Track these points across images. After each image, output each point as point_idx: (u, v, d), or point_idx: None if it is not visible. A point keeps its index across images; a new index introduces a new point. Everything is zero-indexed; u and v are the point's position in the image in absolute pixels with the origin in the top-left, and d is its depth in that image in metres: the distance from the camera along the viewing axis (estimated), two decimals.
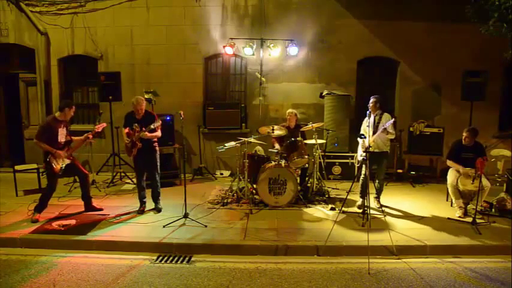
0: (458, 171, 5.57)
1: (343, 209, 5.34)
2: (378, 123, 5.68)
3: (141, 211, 5.65)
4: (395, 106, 8.38)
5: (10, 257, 4.44)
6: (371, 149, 5.33)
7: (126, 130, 5.51)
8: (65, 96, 8.41)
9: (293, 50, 7.66)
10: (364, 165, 5.31)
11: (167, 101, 7.89)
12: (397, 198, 6.47)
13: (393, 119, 5.55)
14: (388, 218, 5.44)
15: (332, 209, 5.84)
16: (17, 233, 4.85)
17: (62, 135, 5.40)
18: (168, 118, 7.36)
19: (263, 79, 7.70)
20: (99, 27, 8.23)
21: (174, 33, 8.20)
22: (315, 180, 6.47)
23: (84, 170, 5.72)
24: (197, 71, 8.33)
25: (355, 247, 4.59)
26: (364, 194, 5.63)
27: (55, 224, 5.12)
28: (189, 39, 8.19)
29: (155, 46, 8.25)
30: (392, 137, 5.73)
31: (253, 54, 7.78)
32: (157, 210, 5.71)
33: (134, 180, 6.52)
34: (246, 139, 6.08)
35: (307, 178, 6.66)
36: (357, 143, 6.00)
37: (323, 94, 7.88)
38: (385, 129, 5.47)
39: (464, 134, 5.61)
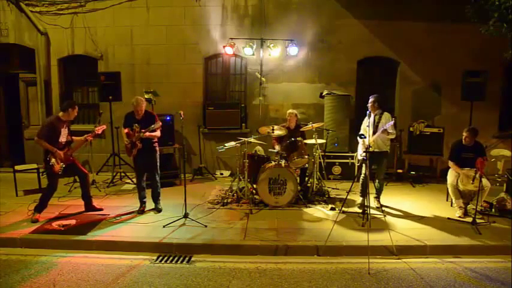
0: (459, 174, 5.58)
1: (343, 209, 5.34)
2: (378, 122, 5.68)
3: (141, 211, 5.65)
4: (395, 106, 8.38)
5: (10, 257, 4.45)
6: (371, 149, 5.33)
7: (126, 130, 5.51)
8: (65, 96, 8.42)
9: (293, 50, 7.66)
10: (364, 165, 5.31)
11: (167, 101, 7.89)
12: (397, 198, 6.47)
13: (393, 120, 5.55)
14: (388, 218, 5.44)
15: (332, 209, 5.84)
16: (17, 233, 4.85)
17: (63, 136, 5.41)
18: (168, 118, 7.37)
19: (263, 79, 7.70)
20: (99, 27, 8.23)
21: (174, 33, 8.20)
22: (315, 180, 6.47)
23: (84, 170, 5.73)
24: (197, 71, 8.33)
25: (355, 247, 4.59)
26: (364, 193, 5.63)
27: (55, 224, 5.12)
28: (189, 39, 8.19)
29: (155, 46, 8.25)
30: (393, 136, 5.73)
31: (253, 54, 7.78)
32: (158, 210, 5.71)
33: (134, 180, 6.53)
34: (246, 139, 6.08)
35: (307, 178, 6.66)
36: (357, 143, 6.00)
37: (323, 94, 7.88)
38: (385, 130, 5.47)
39: (465, 134, 5.61)
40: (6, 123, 9.04)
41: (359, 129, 5.97)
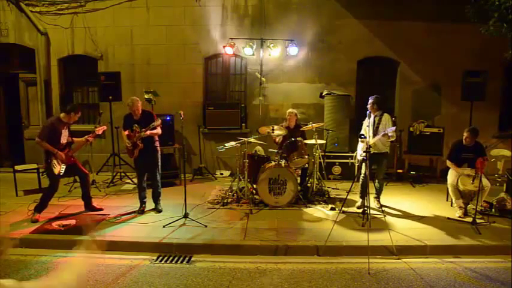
0: (457, 173, 5.58)
1: (343, 209, 5.34)
2: (378, 124, 5.67)
3: (141, 211, 5.65)
4: (395, 106, 8.38)
5: (10, 257, 4.44)
6: (371, 150, 5.31)
7: (126, 132, 5.51)
8: (65, 96, 8.42)
9: (293, 50, 7.66)
10: (364, 165, 5.31)
11: (167, 101, 7.89)
12: (397, 198, 6.47)
13: (394, 127, 5.52)
14: (388, 218, 5.43)
15: (332, 209, 5.84)
16: (17, 233, 4.84)
17: (64, 137, 5.41)
18: (168, 118, 7.37)
19: (263, 79, 7.70)
20: (99, 27, 8.23)
21: (174, 33, 8.20)
22: (315, 180, 6.47)
23: (84, 170, 5.73)
24: (197, 71, 8.33)
25: (355, 247, 4.59)
26: (364, 194, 5.63)
27: (55, 224, 5.12)
28: (189, 39, 8.19)
29: (155, 46, 8.25)
30: (393, 139, 5.72)
31: (253, 54, 7.78)
32: (158, 210, 5.70)
33: (134, 180, 6.53)
34: (246, 139, 6.08)
35: (307, 178, 6.66)
36: (357, 142, 6.00)
37: (323, 94, 7.88)
38: (386, 134, 5.45)
39: (465, 134, 5.61)
40: (6, 123, 9.04)
41: (359, 129, 5.96)
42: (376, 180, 5.90)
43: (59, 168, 5.30)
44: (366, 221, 5.08)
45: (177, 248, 4.60)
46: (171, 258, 4.47)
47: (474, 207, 5.19)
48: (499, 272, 4.17)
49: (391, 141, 5.87)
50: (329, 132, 7.18)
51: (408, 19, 7.92)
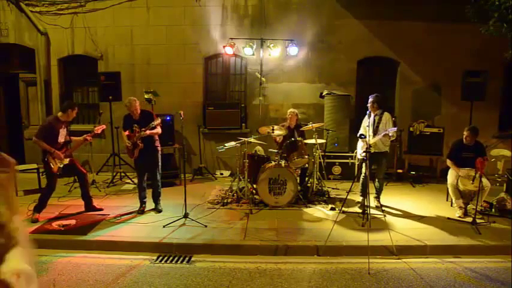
0: (458, 172, 5.58)
1: (343, 209, 5.34)
2: (378, 123, 5.67)
3: (141, 211, 5.65)
4: (395, 106, 8.38)
5: None
6: (372, 150, 5.31)
7: (126, 133, 5.50)
8: (65, 96, 8.41)
9: (293, 50, 7.65)
10: (364, 165, 5.30)
11: (167, 101, 7.89)
12: (397, 198, 6.47)
13: (396, 128, 5.52)
14: (388, 218, 5.43)
15: (332, 209, 5.84)
16: None
17: (62, 136, 5.41)
18: (168, 118, 7.37)
19: (263, 79, 7.70)
20: (99, 27, 8.23)
21: (174, 33, 8.20)
22: (315, 180, 6.47)
23: (83, 170, 5.72)
24: (197, 71, 8.33)
25: (355, 247, 4.59)
26: (364, 193, 5.63)
27: (55, 224, 5.12)
28: (189, 39, 8.19)
29: (155, 46, 8.25)
30: (393, 138, 5.72)
31: (253, 54, 7.77)
32: (158, 210, 5.70)
33: (134, 180, 6.53)
34: (246, 139, 6.08)
35: (307, 178, 6.66)
36: (357, 142, 6.00)
37: (323, 94, 7.88)
38: (387, 134, 5.45)
39: (465, 133, 5.61)
40: (6, 123, 9.03)
41: (359, 129, 5.96)
42: (376, 180, 5.90)
43: (56, 167, 5.30)
44: (366, 221, 5.08)
45: (177, 248, 4.60)
46: (171, 258, 4.47)
47: (474, 207, 5.19)
48: (499, 272, 4.17)
49: (391, 141, 5.87)
50: (329, 132, 7.18)
51: (408, 19, 7.92)
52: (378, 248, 4.51)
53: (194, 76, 8.32)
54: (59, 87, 8.49)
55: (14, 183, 1.17)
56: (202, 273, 4.10)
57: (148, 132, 5.40)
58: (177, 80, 8.28)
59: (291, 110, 6.67)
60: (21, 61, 8.61)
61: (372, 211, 5.44)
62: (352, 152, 7.57)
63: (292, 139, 6.18)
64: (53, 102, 8.46)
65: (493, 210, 5.68)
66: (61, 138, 5.40)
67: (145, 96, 7.14)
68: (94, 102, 8.60)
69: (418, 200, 6.42)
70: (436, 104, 8.22)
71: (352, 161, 7.62)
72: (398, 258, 4.45)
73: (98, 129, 5.76)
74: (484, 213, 5.58)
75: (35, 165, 6.98)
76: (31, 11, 8.16)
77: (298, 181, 6.21)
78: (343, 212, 5.52)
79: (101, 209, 5.72)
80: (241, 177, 6.28)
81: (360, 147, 5.86)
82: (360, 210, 5.50)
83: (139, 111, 5.54)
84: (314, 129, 6.34)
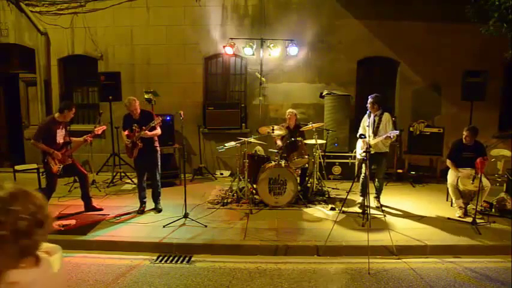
0: (457, 172, 5.58)
1: (343, 209, 5.34)
2: (378, 124, 5.66)
3: (141, 211, 5.65)
4: (395, 106, 8.38)
5: None
6: (372, 151, 5.30)
7: (126, 132, 5.50)
8: (65, 96, 8.41)
9: (293, 50, 7.64)
10: (364, 165, 5.30)
11: (167, 101, 7.88)
12: (397, 198, 6.47)
13: (398, 131, 5.51)
14: (388, 218, 5.43)
15: (332, 209, 5.84)
16: None
17: (60, 136, 5.39)
18: (168, 118, 7.36)
19: (263, 79, 7.69)
20: (99, 27, 8.23)
21: (174, 33, 8.20)
22: (315, 180, 6.47)
23: (83, 170, 5.72)
24: (197, 71, 8.33)
25: (355, 247, 4.59)
26: (364, 193, 5.62)
27: (55, 224, 5.09)
28: (189, 39, 8.19)
29: (155, 46, 8.25)
30: (394, 139, 5.71)
31: (253, 54, 7.77)
32: (158, 210, 5.70)
33: (134, 180, 6.53)
34: (246, 139, 6.08)
35: (307, 178, 6.66)
36: (357, 142, 5.99)
37: (323, 94, 7.88)
38: (388, 136, 5.43)
39: (465, 133, 5.61)
40: (6, 123, 9.04)
41: (359, 129, 5.96)
42: (376, 180, 5.90)
43: (56, 168, 5.29)
44: (366, 221, 5.08)
45: (177, 248, 4.60)
46: (171, 258, 4.47)
47: (474, 207, 5.19)
48: (499, 272, 4.17)
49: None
50: (329, 132, 7.18)
51: (408, 19, 7.92)
52: (378, 248, 4.51)
53: (194, 76, 8.32)
54: (59, 87, 8.48)
55: None
56: (202, 273, 4.10)
57: (149, 133, 5.40)
58: (177, 80, 8.28)
59: (290, 110, 6.67)
60: (21, 61, 8.61)
61: (372, 211, 5.44)
62: (352, 152, 7.57)
63: (292, 139, 6.17)
64: (53, 102, 8.45)
65: (493, 210, 5.68)
66: (60, 139, 5.38)
67: (145, 96, 7.14)
68: (94, 102, 8.60)
69: (418, 200, 6.42)
70: (436, 104, 8.22)
71: (352, 161, 7.61)
72: (398, 258, 4.45)
73: (98, 130, 5.75)
74: (484, 213, 5.57)
75: (35, 165, 6.98)
76: (31, 11, 8.16)
77: (298, 181, 6.21)
78: (343, 212, 5.51)
79: (100, 209, 5.72)
80: (241, 177, 6.28)
81: (360, 147, 5.85)
82: (360, 210, 5.50)
83: (139, 111, 5.53)
84: (314, 129, 6.34)
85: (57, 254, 1.36)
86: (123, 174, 7.65)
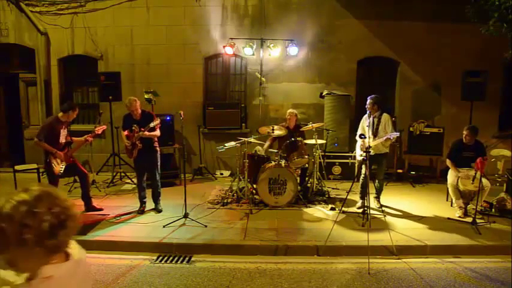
0: (457, 172, 5.58)
1: (343, 209, 5.34)
2: (378, 124, 5.65)
3: (141, 211, 5.65)
4: (395, 106, 8.38)
5: None
6: (372, 152, 5.28)
7: (126, 133, 5.50)
8: (65, 96, 8.42)
9: (293, 50, 7.64)
10: (364, 165, 5.30)
11: (167, 101, 7.88)
12: (397, 198, 6.47)
13: (398, 133, 5.51)
14: (388, 218, 5.43)
15: (332, 209, 5.84)
16: None
17: (62, 136, 5.41)
18: (168, 118, 7.36)
19: (263, 79, 7.70)
20: (99, 27, 8.23)
21: (174, 33, 8.20)
22: (315, 180, 6.47)
23: (84, 170, 5.72)
24: (197, 71, 8.33)
25: (355, 247, 4.59)
26: (364, 194, 5.62)
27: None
28: (189, 39, 8.19)
29: (155, 46, 8.25)
30: (393, 140, 5.71)
31: (253, 54, 7.77)
32: (158, 210, 5.70)
33: (134, 180, 6.52)
34: (246, 139, 6.08)
35: (307, 178, 6.66)
36: (357, 142, 5.99)
37: (323, 94, 7.88)
38: (388, 138, 5.43)
39: (465, 133, 5.61)
40: (6, 123, 9.04)
41: (358, 130, 5.95)
42: (376, 180, 5.90)
43: (58, 168, 5.30)
44: (366, 221, 5.08)
45: (177, 248, 4.60)
46: (171, 258, 4.47)
47: (474, 207, 5.19)
48: (499, 272, 4.17)
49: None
50: (329, 132, 7.18)
51: (408, 19, 7.92)
52: (378, 248, 4.51)
53: (194, 76, 8.32)
54: (59, 87, 8.49)
55: None
56: (202, 273, 4.10)
57: (147, 133, 5.39)
58: (177, 80, 8.28)
59: (291, 110, 6.66)
60: (21, 61, 8.61)
61: (372, 211, 5.44)
62: (352, 152, 7.57)
63: (292, 139, 6.17)
64: (53, 102, 8.46)
65: (493, 210, 5.68)
66: (62, 139, 5.40)
67: (146, 96, 7.14)
68: (94, 102, 8.60)
69: (418, 200, 6.42)
70: (436, 104, 8.21)
71: (352, 161, 7.61)
72: (398, 258, 4.45)
73: (99, 129, 5.75)
74: (484, 213, 5.57)
75: (35, 165, 6.97)
76: (31, 11, 8.16)
77: (298, 181, 6.21)
78: (343, 212, 5.52)
79: (100, 209, 5.72)
80: (241, 177, 6.28)
81: (359, 147, 5.85)
82: (360, 211, 5.50)
83: (139, 111, 5.53)
84: (314, 129, 6.34)
85: (76, 245, 1.42)
86: (123, 174, 7.65)
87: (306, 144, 6.34)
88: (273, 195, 5.86)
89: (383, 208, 5.76)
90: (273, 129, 6.19)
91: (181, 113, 5.43)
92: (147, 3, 8.12)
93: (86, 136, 5.63)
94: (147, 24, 8.19)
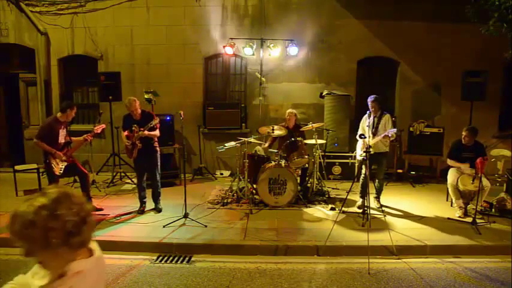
0: (460, 169, 5.57)
1: (343, 209, 5.34)
2: (378, 124, 5.66)
3: (141, 211, 5.65)
4: (395, 106, 8.38)
5: (10, 257, 4.45)
6: (372, 151, 5.29)
7: (126, 133, 5.50)
8: (65, 96, 8.41)
9: (293, 50, 7.65)
10: (364, 165, 5.30)
11: (167, 101, 7.88)
12: (397, 198, 6.47)
13: (395, 129, 5.52)
14: (388, 218, 5.43)
15: (332, 209, 5.84)
16: None
17: (62, 136, 5.41)
18: (168, 118, 7.37)
19: (263, 79, 7.70)
20: (99, 27, 8.23)
21: (174, 33, 8.20)
22: (315, 180, 6.47)
23: (84, 170, 5.72)
24: (197, 71, 8.33)
25: (355, 247, 4.59)
26: (364, 194, 5.63)
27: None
28: (189, 39, 8.19)
29: (155, 46, 8.25)
30: (393, 138, 5.71)
31: (253, 54, 7.77)
32: (158, 210, 5.70)
33: (134, 180, 6.53)
34: (246, 139, 6.08)
35: (307, 178, 6.66)
36: (357, 142, 5.99)
37: (323, 94, 7.88)
38: (387, 135, 5.44)
39: (464, 133, 5.61)
40: (6, 123, 9.04)
41: (358, 130, 5.95)
42: (376, 180, 5.90)
43: (58, 168, 5.30)
44: (366, 221, 5.08)
45: (177, 248, 4.60)
46: (171, 258, 4.47)
47: (474, 207, 5.19)
48: (499, 272, 4.17)
49: (391, 141, 5.86)
50: (329, 132, 7.18)
51: (408, 19, 7.92)
52: (378, 248, 4.51)
53: (194, 76, 8.32)
54: (59, 87, 8.49)
55: None
56: (202, 273, 4.10)
57: (146, 132, 5.39)
58: (177, 80, 8.28)
59: (290, 110, 6.66)
60: (21, 61, 8.61)
61: (372, 211, 5.44)
62: (352, 152, 7.57)
63: (292, 139, 6.17)
64: (53, 102, 8.46)
65: (493, 210, 5.68)
66: (61, 139, 5.40)
67: (145, 96, 7.14)
68: (94, 102, 8.60)
69: (418, 200, 6.42)
70: (436, 104, 8.21)
71: (352, 161, 7.61)
72: (398, 258, 4.45)
73: (98, 128, 5.75)
74: (484, 213, 5.58)
75: (35, 165, 6.98)
76: (31, 11, 8.16)
77: (298, 181, 6.21)
78: (343, 212, 5.52)
79: (100, 209, 5.72)
80: (241, 177, 6.28)
81: (360, 148, 5.86)
82: (360, 211, 5.50)
83: (139, 111, 5.53)
84: (314, 129, 6.34)
85: (95, 242, 1.50)
86: (123, 174, 7.66)
87: (306, 144, 6.34)
88: (273, 195, 5.86)
89: (383, 208, 5.76)
90: (273, 129, 6.19)
91: (181, 113, 5.43)
92: (147, 3, 8.12)
93: (85, 135, 5.63)
94: (147, 24, 8.19)
